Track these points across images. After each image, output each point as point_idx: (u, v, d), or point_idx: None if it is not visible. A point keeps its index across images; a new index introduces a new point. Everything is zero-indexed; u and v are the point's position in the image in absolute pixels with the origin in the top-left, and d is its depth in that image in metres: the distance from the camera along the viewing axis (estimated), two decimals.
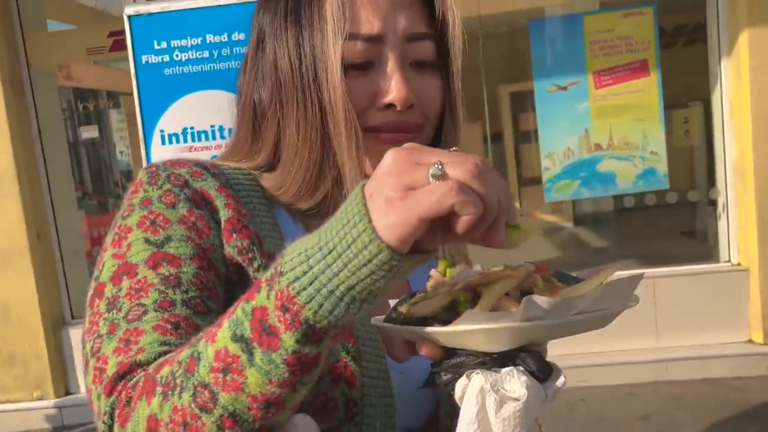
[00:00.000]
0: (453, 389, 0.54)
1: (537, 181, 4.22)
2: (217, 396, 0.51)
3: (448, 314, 0.53)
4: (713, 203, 4.23)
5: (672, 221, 4.79)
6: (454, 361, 0.54)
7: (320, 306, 0.48)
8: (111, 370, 0.58)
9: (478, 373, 0.52)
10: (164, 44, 2.53)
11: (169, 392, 0.52)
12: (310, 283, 0.48)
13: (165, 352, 0.58)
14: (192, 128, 2.60)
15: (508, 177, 5.82)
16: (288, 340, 0.48)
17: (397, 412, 0.72)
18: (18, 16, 4.24)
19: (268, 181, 0.76)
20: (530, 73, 4.01)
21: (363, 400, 0.68)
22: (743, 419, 3.35)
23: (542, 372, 0.53)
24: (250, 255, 0.68)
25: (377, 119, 0.72)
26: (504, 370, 0.52)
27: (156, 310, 0.61)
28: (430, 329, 0.53)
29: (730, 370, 3.83)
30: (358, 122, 0.70)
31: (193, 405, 0.51)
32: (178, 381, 0.52)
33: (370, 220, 0.46)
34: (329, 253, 0.48)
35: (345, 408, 0.68)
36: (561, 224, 5.99)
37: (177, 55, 2.50)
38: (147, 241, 0.66)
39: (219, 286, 0.67)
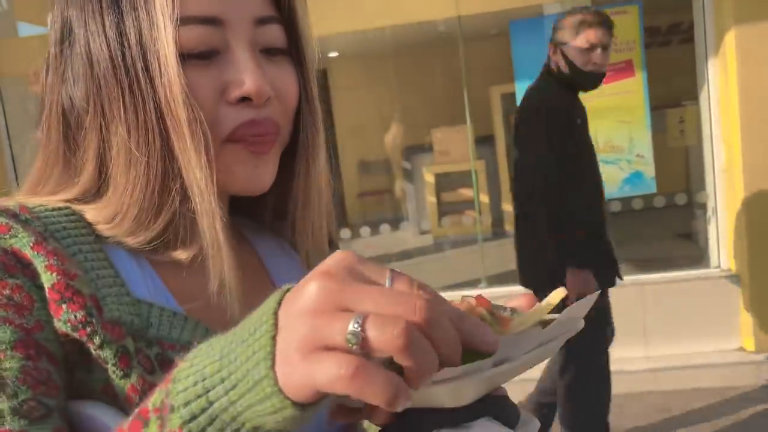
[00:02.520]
0: None
1: None
2: None
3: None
4: (702, 207, 4.14)
5: (660, 226, 4.71)
6: (412, 423, 0.46)
7: None
8: None
9: None
10: None
11: None
12: (210, 422, 0.41)
13: None
14: None
15: (497, 182, 5.73)
16: None
17: None
18: None
19: (94, 213, 0.60)
20: (512, 75, 3.92)
21: None
22: (735, 431, 3.26)
23: (513, 418, 0.50)
24: (88, 329, 0.53)
25: (231, 120, 0.59)
26: (475, 424, 0.48)
27: None
28: None
29: (722, 379, 3.73)
30: (205, 121, 0.57)
31: None
32: None
33: (273, 365, 0.39)
34: (232, 388, 0.40)
35: None
36: None
37: None
38: None
39: (55, 373, 0.53)
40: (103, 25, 0.58)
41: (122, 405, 0.54)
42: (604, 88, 3.82)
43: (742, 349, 3.87)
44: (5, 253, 0.54)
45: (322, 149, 0.67)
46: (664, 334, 3.84)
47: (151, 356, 0.56)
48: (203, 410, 0.40)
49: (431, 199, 6.01)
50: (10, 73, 4.28)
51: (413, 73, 6.60)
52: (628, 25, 3.77)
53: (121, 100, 0.57)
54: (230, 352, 0.41)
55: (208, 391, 0.40)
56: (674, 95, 4.53)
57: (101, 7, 0.58)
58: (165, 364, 0.56)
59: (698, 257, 4.19)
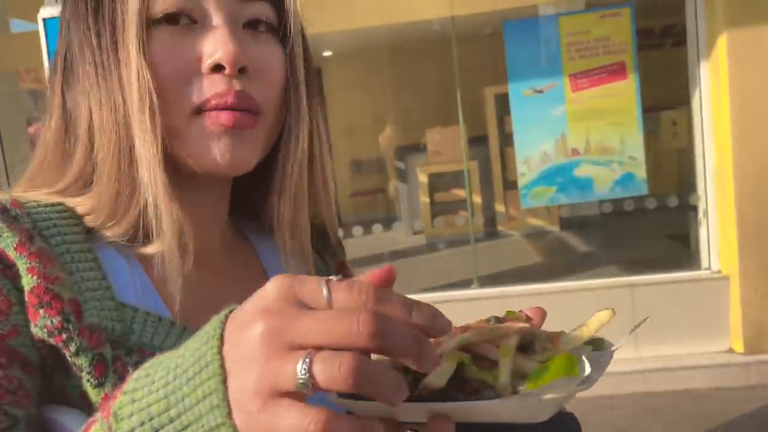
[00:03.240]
0: None
1: (514, 186, 4.14)
2: None
3: (456, 381, 0.45)
4: (693, 209, 4.16)
5: (651, 227, 4.74)
6: None
7: None
8: None
9: None
10: None
11: None
12: None
13: None
14: None
15: (490, 182, 5.75)
16: None
17: None
18: None
19: (83, 205, 0.59)
20: (505, 76, 3.92)
21: None
22: None
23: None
24: (64, 336, 0.52)
25: (203, 91, 0.57)
26: None
27: None
28: (471, 403, 0.43)
29: (711, 380, 3.75)
30: (153, 87, 0.55)
31: None
32: None
33: (229, 412, 0.36)
34: (182, 429, 0.38)
35: None
36: (538, 230, 5.91)
37: None
38: None
39: (28, 381, 0.52)
40: (87, 14, 0.58)
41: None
42: (597, 90, 3.84)
43: (731, 350, 3.89)
44: None
45: (306, 136, 0.64)
46: (654, 335, 3.85)
47: (130, 365, 0.55)
48: None
49: (424, 199, 6.02)
50: (2, 69, 4.26)
51: (407, 72, 6.61)
52: (620, 27, 3.78)
53: (96, 80, 0.57)
54: (176, 390, 0.38)
55: (156, 431, 0.39)
56: (666, 98, 4.55)
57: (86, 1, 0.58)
58: None
59: (689, 259, 4.21)
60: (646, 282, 3.91)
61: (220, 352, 0.38)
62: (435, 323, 0.38)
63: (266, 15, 0.61)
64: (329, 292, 0.37)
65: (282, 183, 0.65)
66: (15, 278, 0.53)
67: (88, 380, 0.53)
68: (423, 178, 6.06)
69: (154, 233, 0.57)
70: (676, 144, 4.56)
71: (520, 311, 0.50)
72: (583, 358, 0.46)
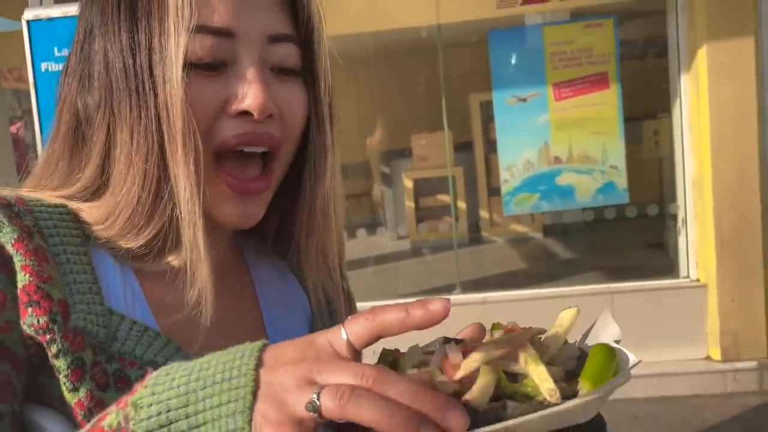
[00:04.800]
0: None
1: (498, 192, 4.16)
2: None
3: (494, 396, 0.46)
4: (673, 218, 4.21)
5: (632, 235, 4.79)
6: None
7: None
8: None
9: None
10: (65, 51, 2.41)
11: None
12: None
13: None
14: None
15: (475, 188, 5.78)
16: None
17: None
18: None
19: (90, 212, 0.61)
20: (489, 84, 3.96)
21: None
22: None
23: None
24: (48, 336, 0.54)
25: (228, 130, 0.60)
26: None
27: None
28: (532, 416, 0.43)
29: (689, 387, 3.80)
30: (200, 136, 0.58)
31: None
32: None
33: (251, 420, 0.42)
34: (197, 426, 0.43)
35: None
36: (521, 237, 5.95)
37: None
38: None
39: (15, 376, 0.53)
40: (119, 30, 0.59)
41: (71, 418, 0.54)
42: (579, 99, 3.88)
43: (708, 358, 3.94)
44: None
45: (330, 172, 0.68)
46: (633, 342, 3.86)
47: (108, 372, 0.56)
48: None
49: (409, 204, 6.03)
50: None
51: (393, 78, 6.63)
52: (603, 38, 3.83)
53: (128, 102, 0.59)
54: (197, 390, 0.43)
55: (170, 423, 0.42)
56: (647, 108, 4.61)
57: (119, 13, 0.59)
58: (121, 381, 0.56)
59: (668, 267, 4.26)
60: (626, 289, 3.95)
61: (256, 369, 0.43)
62: (445, 415, 0.41)
63: (293, 59, 0.63)
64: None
65: (310, 220, 0.68)
66: (11, 273, 0.54)
67: (65, 384, 0.54)
68: (408, 183, 6.08)
69: (174, 249, 0.61)
70: (657, 154, 4.62)
71: (503, 324, 0.52)
72: (620, 347, 0.48)
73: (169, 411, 0.43)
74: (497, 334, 0.51)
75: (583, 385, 0.46)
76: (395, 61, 6.18)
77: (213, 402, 0.42)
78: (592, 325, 0.55)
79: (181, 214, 0.58)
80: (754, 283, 3.79)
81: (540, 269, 5.62)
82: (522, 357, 0.46)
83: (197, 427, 0.42)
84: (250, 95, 0.59)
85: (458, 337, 0.52)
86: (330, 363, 0.43)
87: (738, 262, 3.79)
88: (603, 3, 3.84)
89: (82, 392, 0.54)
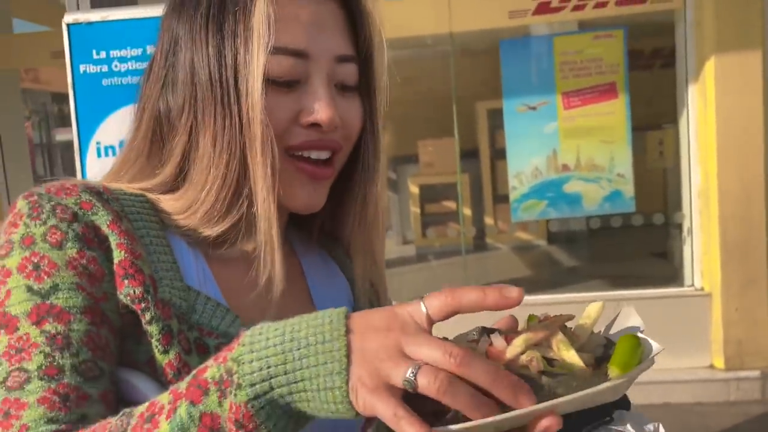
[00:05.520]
0: None
1: (504, 200, 4.21)
2: None
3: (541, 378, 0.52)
4: (678, 227, 4.25)
5: (638, 244, 4.83)
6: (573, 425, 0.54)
7: (275, 425, 0.49)
8: None
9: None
10: (103, 54, 2.48)
11: None
12: (269, 403, 0.49)
13: None
14: None
15: (481, 195, 5.83)
16: None
17: None
18: None
19: (170, 203, 0.69)
20: (500, 92, 4.02)
21: None
22: None
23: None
24: (143, 305, 0.61)
25: (299, 137, 0.69)
26: (621, 413, 0.57)
27: (41, 379, 0.56)
28: (569, 397, 0.50)
29: (692, 395, 3.84)
30: (275, 141, 0.66)
31: None
32: None
33: (347, 379, 0.48)
34: (295, 382, 0.49)
35: None
36: (527, 244, 6.00)
37: (116, 66, 2.46)
38: (30, 289, 0.59)
39: (112, 342, 0.61)
40: (207, 45, 0.67)
41: (160, 378, 0.61)
42: (588, 108, 3.94)
43: (712, 366, 3.98)
44: (87, 227, 0.62)
45: (380, 175, 0.76)
46: None
47: (190, 339, 0.63)
48: (265, 393, 0.49)
49: (415, 209, 6.08)
50: (4, 67, 4.30)
51: (403, 84, 6.70)
52: (613, 48, 3.89)
53: (212, 110, 0.66)
54: (293, 350, 0.49)
55: (271, 378, 0.49)
56: (655, 118, 4.66)
57: (207, 29, 0.67)
58: (200, 348, 0.63)
59: (673, 276, 4.29)
60: (631, 297, 3.99)
61: (346, 334, 0.49)
62: (516, 396, 0.48)
63: (353, 77, 0.72)
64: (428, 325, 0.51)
65: (362, 216, 0.77)
66: (107, 251, 0.62)
67: (156, 347, 0.61)
68: (414, 189, 6.13)
69: (246, 239, 0.69)
70: (664, 163, 4.66)
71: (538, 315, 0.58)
72: (645, 336, 0.55)
73: (269, 367, 0.49)
74: (532, 323, 0.57)
75: (612, 371, 0.52)
76: (407, 68, 6.25)
77: (310, 362, 0.49)
78: (615, 318, 0.61)
79: (258, 210, 0.66)
80: (759, 293, 3.84)
81: (546, 276, 5.66)
82: (555, 343, 0.52)
83: (296, 382, 0.49)
84: (320, 111, 0.68)
85: (494, 327, 0.58)
86: (417, 336, 0.49)
87: (742, 271, 3.84)
88: (613, 15, 3.90)
89: (171, 354, 0.61)
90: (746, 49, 3.73)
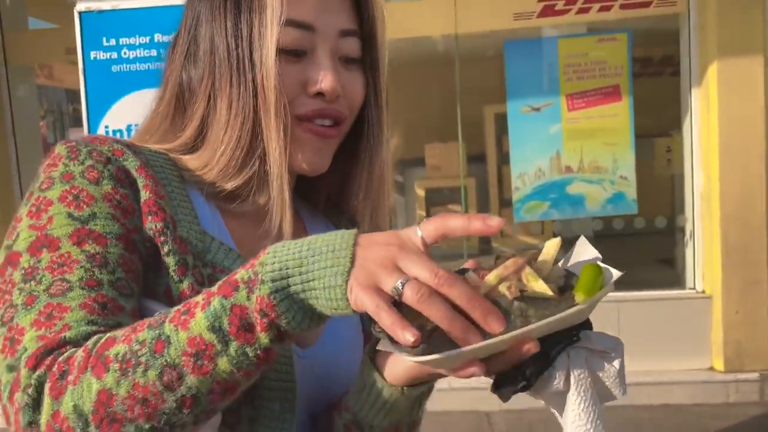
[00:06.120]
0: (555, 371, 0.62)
1: (508, 204, 4.24)
2: (184, 377, 0.56)
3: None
4: (680, 230, 4.28)
5: (640, 246, 4.84)
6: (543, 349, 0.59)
7: (293, 317, 0.57)
8: (32, 343, 0.59)
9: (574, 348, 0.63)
10: (113, 41, 2.57)
11: (130, 369, 0.56)
12: (287, 297, 0.56)
13: (93, 333, 0.60)
14: (137, 125, 2.49)
15: (486, 199, 5.86)
16: (263, 338, 0.57)
17: (299, 398, 0.74)
18: None
19: (189, 161, 0.77)
20: (504, 95, 4.06)
21: (263, 382, 0.70)
22: None
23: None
24: (162, 239, 0.69)
25: (306, 106, 0.75)
26: (588, 333, 0.63)
27: (82, 288, 0.62)
28: (544, 321, 0.56)
29: (691, 396, 3.85)
30: (288, 107, 0.73)
31: (157, 383, 0.56)
32: (142, 360, 0.56)
33: (347, 279, 0.55)
34: (308, 281, 0.56)
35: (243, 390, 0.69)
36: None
37: (125, 53, 2.54)
38: (70, 215, 0.66)
39: (140, 268, 0.69)
40: (225, 20, 0.75)
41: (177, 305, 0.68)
42: (592, 110, 3.99)
43: (712, 368, 3.99)
44: (119, 169, 0.70)
45: (385, 144, 0.83)
46: (639, 350, 3.93)
47: (204, 274, 0.71)
48: (283, 288, 0.56)
49: (421, 213, 6.12)
50: (17, 63, 4.38)
51: (409, 87, 6.75)
52: (617, 52, 3.94)
53: (229, 78, 0.74)
54: (308, 256, 0.57)
55: (288, 277, 0.57)
56: (658, 122, 4.70)
57: (225, 6, 0.75)
58: (213, 283, 0.68)
59: (675, 278, 4.32)
60: (633, 298, 4.01)
61: (354, 246, 0.57)
62: (486, 318, 0.55)
63: (356, 50, 0.79)
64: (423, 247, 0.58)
65: (368, 183, 0.84)
66: (135, 191, 0.70)
67: (172, 276, 0.69)
68: (420, 192, 6.18)
69: (258, 195, 0.77)
70: (666, 167, 4.69)
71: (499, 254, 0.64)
72: (605, 265, 0.60)
73: (288, 268, 0.57)
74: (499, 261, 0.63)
75: (579, 296, 0.58)
76: (412, 71, 6.31)
77: (321, 264, 0.57)
78: (571, 251, 0.66)
79: (270, 167, 0.74)
80: (759, 296, 3.86)
81: None
82: (524, 276, 0.59)
83: (308, 281, 0.57)
84: (325, 81, 0.74)
85: (465, 267, 0.64)
86: (412, 254, 0.56)
87: (743, 274, 3.86)
88: (618, 19, 3.95)
89: (185, 284, 0.69)
90: (748, 55, 3.78)
